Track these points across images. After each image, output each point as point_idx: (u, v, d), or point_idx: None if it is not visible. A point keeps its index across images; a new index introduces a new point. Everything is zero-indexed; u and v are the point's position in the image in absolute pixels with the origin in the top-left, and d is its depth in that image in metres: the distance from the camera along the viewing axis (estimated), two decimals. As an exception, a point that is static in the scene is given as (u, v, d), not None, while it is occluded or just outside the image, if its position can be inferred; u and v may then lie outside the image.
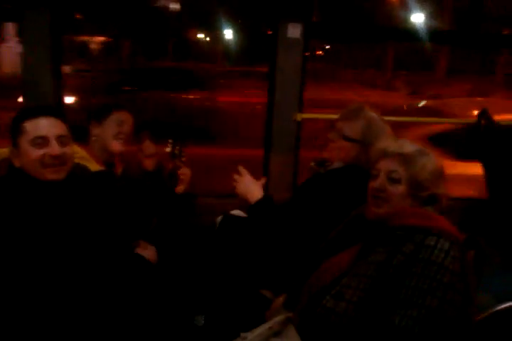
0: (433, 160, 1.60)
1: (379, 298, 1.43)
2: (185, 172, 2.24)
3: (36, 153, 1.66)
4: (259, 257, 2.04)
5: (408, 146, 1.61)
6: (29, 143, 1.67)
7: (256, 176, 2.07)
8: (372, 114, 2.04)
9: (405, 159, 1.57)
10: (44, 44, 2.44)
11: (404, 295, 1.38)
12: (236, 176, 2.03)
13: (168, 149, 2.26)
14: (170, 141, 2.26)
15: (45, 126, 1.69)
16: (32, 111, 1.74)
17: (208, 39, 20.46)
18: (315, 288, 1.59)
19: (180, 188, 2.24)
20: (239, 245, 2.13)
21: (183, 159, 2.26)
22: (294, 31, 2.58)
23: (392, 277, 1.43)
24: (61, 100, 2.56)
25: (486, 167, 2.71)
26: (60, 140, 1.70)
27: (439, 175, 1.59)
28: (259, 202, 1.95)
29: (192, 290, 1.93)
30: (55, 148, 1.68)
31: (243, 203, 2.03)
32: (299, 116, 2.70)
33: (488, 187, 2.73)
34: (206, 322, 1.77)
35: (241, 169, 2.04)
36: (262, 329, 1.56)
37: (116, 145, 2.19)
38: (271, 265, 1.99)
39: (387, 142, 1.66)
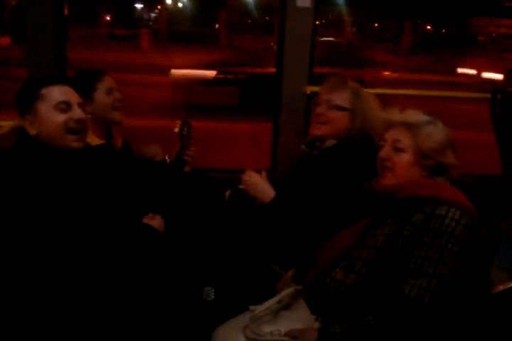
0: (440, 129, 1.58)
1: (388, 269, 1.41)
2: (191, 155, 2.23)
3: (60, 117, 1.65)
4: (269, 231, 2.04)
5: (413, 116, 1.60)
6: (52, 108, 1.65)
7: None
8: (356, 84, 2.08)
9: (409, 128, 1.56)
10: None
11: (413, 265, 1.37)
12: (245, 177, 2.05)
13: (176, 129, 2.23)
14: (178, 121, 2.24)
15: (65, 92, 1.69)
16: (48, 78, 1.73)
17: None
18: (324, 260, 1.58)
19: (187, 168, 2.23)
20: (249, 220, 2.13)
21: (191, 140, 2.24)
22: (304, 0, 2.49)
23: (401, 247, 1.41)
24: (65, 69, 2.50)
25: (501, 141, 2.66)
26: (80, 106, 1.70)
27: (447, 144, 1.56)
28: (274, 201, 1.99)
29: (201, 264, 1.93)
30: (78, 112, 1.68)
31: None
32: (308, 89, 2.64)
33: (503, 162, 2.68)
34: (216, 296, 1.78)
35: (249, 171, 2.07)
36: (271, 303, 1.55)
37: (118, 115, 2.20)
38: (281, 239, 1.99)
39: (393, 112, 1.64)
